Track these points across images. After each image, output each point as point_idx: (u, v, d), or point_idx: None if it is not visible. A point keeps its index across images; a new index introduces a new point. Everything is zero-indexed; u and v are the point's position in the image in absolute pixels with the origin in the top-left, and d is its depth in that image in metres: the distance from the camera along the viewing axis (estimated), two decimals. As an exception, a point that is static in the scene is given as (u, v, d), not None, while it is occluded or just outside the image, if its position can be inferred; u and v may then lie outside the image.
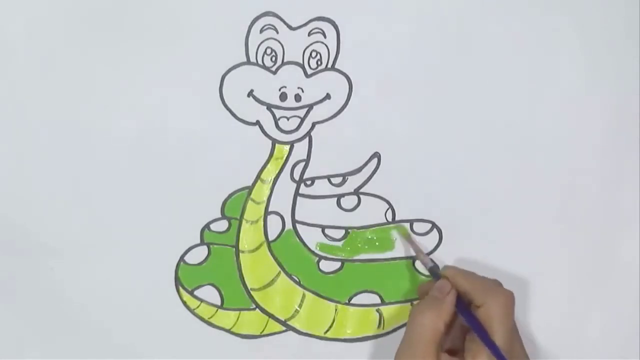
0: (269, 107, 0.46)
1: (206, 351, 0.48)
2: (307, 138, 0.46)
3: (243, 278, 0.48)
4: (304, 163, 0.47)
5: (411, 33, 0.45)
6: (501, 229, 0.47)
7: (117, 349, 0.48)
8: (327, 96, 0.46)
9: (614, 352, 0.48)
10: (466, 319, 0.41)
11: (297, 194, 0.47)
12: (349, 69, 0.46)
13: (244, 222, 0.47)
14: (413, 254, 0.47)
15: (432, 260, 0.45)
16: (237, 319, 0.48)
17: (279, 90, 0.46)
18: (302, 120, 0.46)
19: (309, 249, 0.48)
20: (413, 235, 0.47)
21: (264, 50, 0.45)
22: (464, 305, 0.42)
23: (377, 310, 0.48)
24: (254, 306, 0.48)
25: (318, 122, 0.46)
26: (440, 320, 0.40)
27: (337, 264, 0.48)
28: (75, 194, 0.46)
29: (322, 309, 0.48)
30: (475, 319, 0.40)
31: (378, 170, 0.47)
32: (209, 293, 0.48)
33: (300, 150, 0.47)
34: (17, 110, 0.45)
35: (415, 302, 0.48)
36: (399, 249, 0.48)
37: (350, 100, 0.46)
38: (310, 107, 0.46)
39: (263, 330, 0.48)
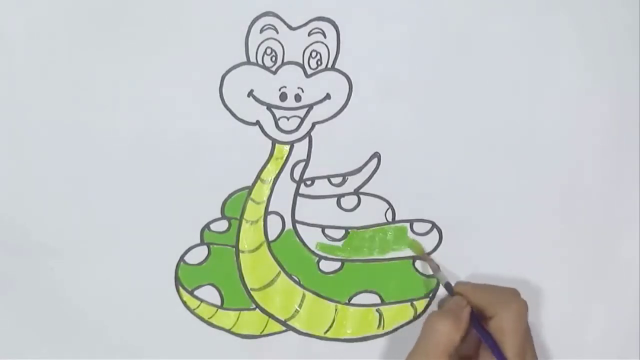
0: (269, 107, 0.46)
1: (206, 351, 0.48)
2: (307, 138, 0.46)
3: (243, 278, 0.48)
4: (304, 163, 0.47)
5: (411, 33, 0.45)
6: (501, 229, 0.47)
7: (117, 349, 0.48)
8: (327, 96, 0.46)
9: (614, 352, 0.48)
10: (479, 333, 0.41)
11: (297, 194, 0.47)
12: (349, 69, 0.46)
13: (244, 222, 0.47)
14: (412, 253, 0.47)
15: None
16: (237, 319, 0.48)
17: (279, 90, 0.46)
18: (302, 120, 0.46)
19: (309, 249, 0.48)
20: (425, 251, 0.47)
21: (264, 50, 0.45)
22: (477, 320, 0.42)
23: (377, 310, 0.48)
24: (254, 306, 0.48)
25: (318, 122, 0.46)
26: (457, 332, 0.41)
27: (337, 264, 0.48)
28: (76, 193, 0.46)
29: (322, 309, 0.48)
30: (487, 333, 0.41)
31: (378, 170, 0.47)
32: (209, 293, 0.48)
33: (300, 150, 0.47)
34: (17, 110, 0.45)
35: (415, 302, 0.48)
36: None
37: (350, 100, 0.46)
38: (310, 107, 0.46)
39: (263, 330, 0.48)
